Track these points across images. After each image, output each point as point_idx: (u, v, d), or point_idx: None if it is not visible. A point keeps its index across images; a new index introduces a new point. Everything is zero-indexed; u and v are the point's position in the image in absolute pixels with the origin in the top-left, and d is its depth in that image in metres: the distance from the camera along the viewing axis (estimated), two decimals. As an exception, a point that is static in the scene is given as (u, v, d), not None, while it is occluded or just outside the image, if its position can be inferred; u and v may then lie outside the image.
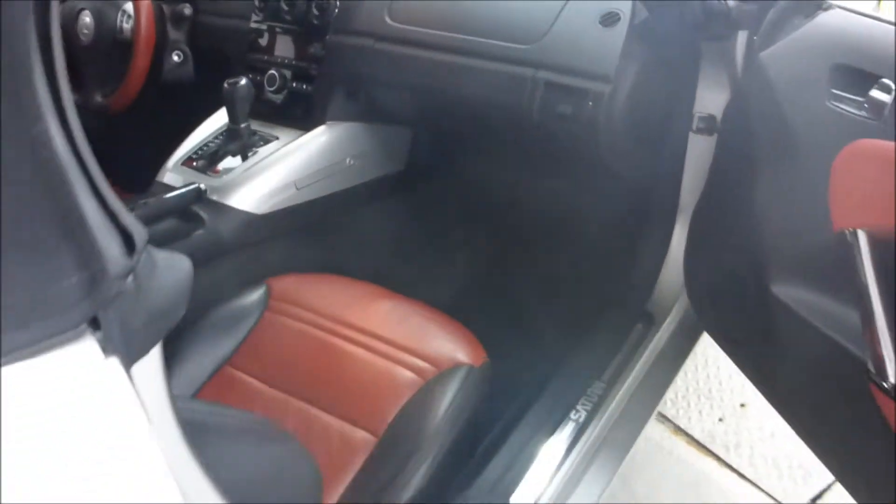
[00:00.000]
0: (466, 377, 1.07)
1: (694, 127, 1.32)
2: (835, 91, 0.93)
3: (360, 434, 1.00)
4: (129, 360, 0.41)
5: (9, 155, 0.32)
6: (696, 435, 1.62)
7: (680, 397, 1.71)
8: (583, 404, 1.23)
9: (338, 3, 1.45)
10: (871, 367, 0.77)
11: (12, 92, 0.33)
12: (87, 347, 0.36)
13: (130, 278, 0.39)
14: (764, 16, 1.10)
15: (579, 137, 1.26)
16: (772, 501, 1.47)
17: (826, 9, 1.01)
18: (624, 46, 1.19)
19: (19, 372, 0.34)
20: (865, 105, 0.89)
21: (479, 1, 1.35)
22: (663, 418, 1.66)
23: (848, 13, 0.99)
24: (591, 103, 1.20)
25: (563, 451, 1.15)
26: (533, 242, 1.68)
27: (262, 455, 0.70)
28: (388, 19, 1.41)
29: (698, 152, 1.33)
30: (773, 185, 1.03)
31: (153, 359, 0.45)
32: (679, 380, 1.76)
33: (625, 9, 1.20)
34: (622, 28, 1.20)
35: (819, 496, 1.48)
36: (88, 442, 0.36)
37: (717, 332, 1.27)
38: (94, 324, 0.37)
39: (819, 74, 0.95)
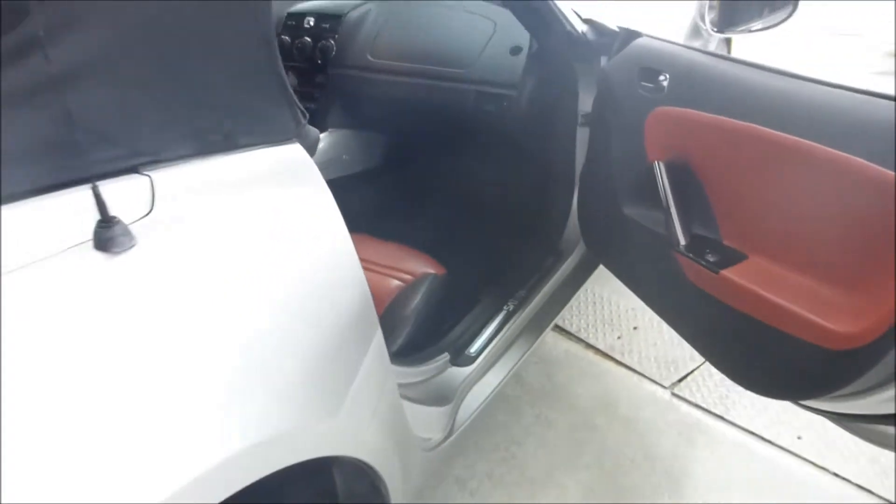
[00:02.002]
0: (433, 281, 1.68)
1: (579, 122, 1.97)
2: (642, 82, 1.58)
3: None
4: None
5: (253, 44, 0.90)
6: (601, 347, 2.24)
7: (589, 323, 2.34)
8: (511, 301, 1.84)
9: (335, 46, 2.10)
10: (672, 241, 1.39)
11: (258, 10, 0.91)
12: (297, 147, 0.96)
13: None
14: (612, 44, 1.76)
15: (501, 126, 1.91)
16: (653, 385, 2.09)
17: (639, 37, 1.68)
18: (524, 67, 1.86)
19: (275, 151, 0.93)
20: (655, 87, 1.54)
21: (430, 41, 2.01)
22: (577, 338, 2.27)
23: (650, 39, 1.65)
24: (505, 104, 1.86)
25: (498, 326, 1.76)
26: (476, 205, 2.29)
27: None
28: (369, 56, 2.07)
29: (583, 139, 1.98)
30: (615, 145, 1.66)
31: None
32: (588, 310, 2.39)
33: (525, 43, 1.87)
34: (523, 55, 1.86)
35: (681, 379, 2.10)
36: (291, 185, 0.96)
37: (598, 252, 1.89)
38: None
39: (633, 73, 1.60)
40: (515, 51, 1.89)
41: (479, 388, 1.63)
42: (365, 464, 1.01)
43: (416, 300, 1.64)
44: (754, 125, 1.23)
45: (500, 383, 1.67)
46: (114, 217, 0.69)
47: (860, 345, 1.10)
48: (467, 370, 1.61)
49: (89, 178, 0.70)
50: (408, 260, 1.75)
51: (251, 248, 0.83)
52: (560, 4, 1.71)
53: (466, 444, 1.84)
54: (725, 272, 1.32)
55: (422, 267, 1.72)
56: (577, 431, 1.91)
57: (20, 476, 0.58)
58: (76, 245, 0.68)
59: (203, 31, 0.82)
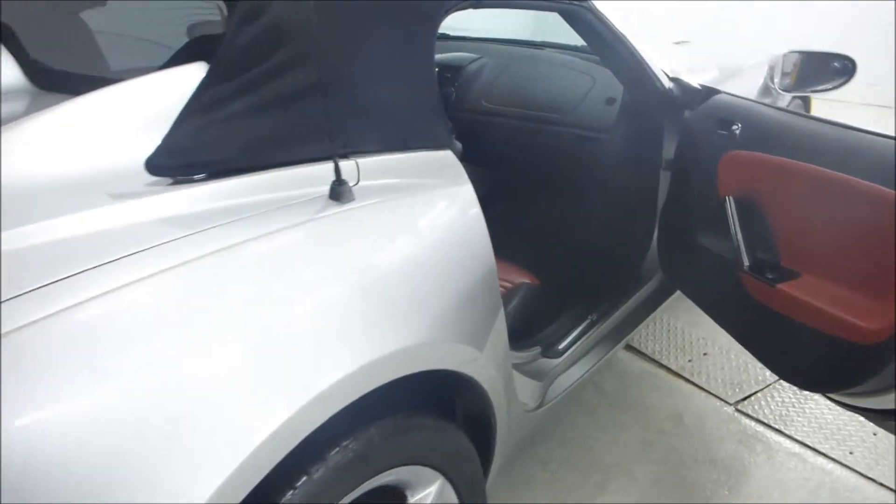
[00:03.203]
0: (529, 289, 2.01)
1: (662, 166, 2.28)
2: (718, 130, 1.89)
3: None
4: None
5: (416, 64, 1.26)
6: (673, 367, 2.49)
7: (663, 347, 2.60)
8: (595, 313, 2.14)
9: (454, 93, 2.49)
10: (739, 263, 1.68)
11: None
12: (449, 153, 1.31)
13: None
14: (694, 100, 2.08)
15: (594, 165, 2.24)
16: (718, 401, 2.33)
17: (718, 93, 1.99)
18: (617, 116, 2.19)
19: (434, 154, 1.29)
20: (729, 134, 1.84)
21: (537, 90, 2.38)
22: (651, 359, 2.54)
23: (727, 95, 1.97)
24: (599, 146, 2.19)
25: (582, 331, 2.05)
26: (569, 231, 2.60)
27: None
28: (483, 102, 2.45)
29: (664, 181, 2.28)
30: (694, 184, 1.96)
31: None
32: (662, 336, 2.65)
33: (619, 95, 2.20)
34: (617, 106, 2.20)
35: (745, 398, 2.33)
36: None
37: (674, 277, 2.18)
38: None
39: (711, 123, 1.90)
40: (610, 101, 2.23)
41: (564, 378, 1.92)
42: (489, 399, 1.33)
43: (515, 302, 1.96)
44: (808, 164, 1.53)
45: (580, 377, 1.96)
46: (344, 180, 1.06)
47: (884, 339, 1.36)
48: (555, 361, 1.91)
49: (331, 156, 1.07)
50: (509, 271, 2.09)
51: (415, 215, 1.18)
52: (651, 64, 2.04)
53: (551, 433, 2.13)
54: (781, 286, 1.60)
55: (519, 277, 2.05)
56: (647, 433, 2.17)
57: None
58: (322, 194, 1.05)
59: (395, 66, 1.20)
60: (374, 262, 1.07)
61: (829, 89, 1.99)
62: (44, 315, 0.76)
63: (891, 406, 1.50)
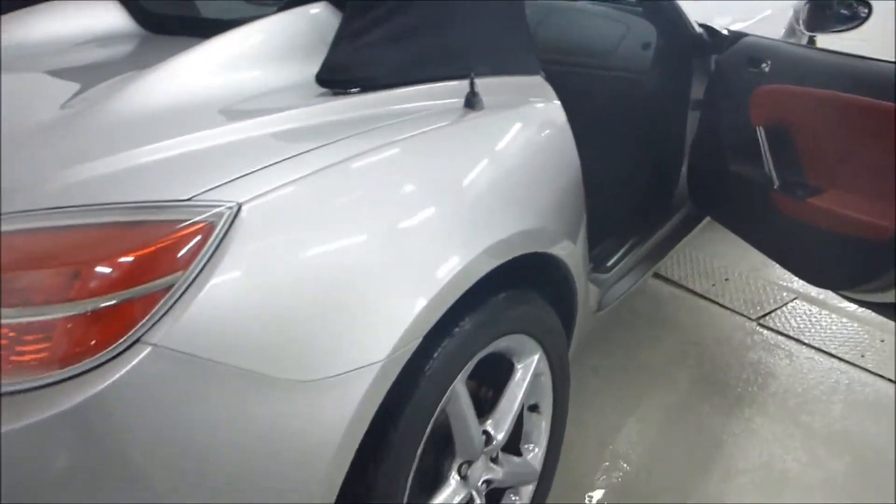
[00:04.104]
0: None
1: (690, 106, 2.52)
2: (749, 68, 2.12)
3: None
4: None
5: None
6: (698, 290, 2.76)
7: (688, 274, 2.86)
8: (634, 237, 2.38)
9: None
10: (770, 184, 1.93)
11: None
12: (539, 78, 1.54)
13: None
14: (722, 44, 2.31)
15: (631, 104, 2.47)
16: (742, 317, 2.59)
17: (746, 36, 2.22)
18: (653, 59, 2.42)
19: (530, 78, 1.52)
20: (759, 72, 2.08)
21: (575, 38, 2.60)
22: (678, 284, 2.80)
23: (755, 37, 2.20)
24: (635, 87, 2.42)
25: (625, 252, 2.29)
26: (608, 165, 2.81)
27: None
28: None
29: (693, 119, 2.52)
30: (725, 118, 2.20)
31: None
32: (687, 265, 2.91)
33: (653, 40, 2.43)
34: (652, 49, 2.43)
35: (766, 314, 2.60)
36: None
37: (704, 204, 2.42)
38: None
39: (742, 62, 2.13)
40: (646, 46, 2.45)
41: (614, 290, 2.17)
42: (574, 285, 1.58)
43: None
44: (832, 91, 1.77)
45: (627, 290, 2.20)
46: (477, 92, 1.29)
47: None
48: (605, 275, 2.16)
49: (462, 75, 1.30)
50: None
51: (526, 123, 1.42)
52: (683, 11, 2.27)
53: (598, 345, 2.39)
54: (811, 200, 1.85)
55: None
56: (681, 345, 2.43)
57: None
58: (454, 105, 1.29)
59: (493, 5, 1.43)
60: (500, 158, 1.31)
61: (847, 29, 2.25)
62: (256, 194, 0.94)
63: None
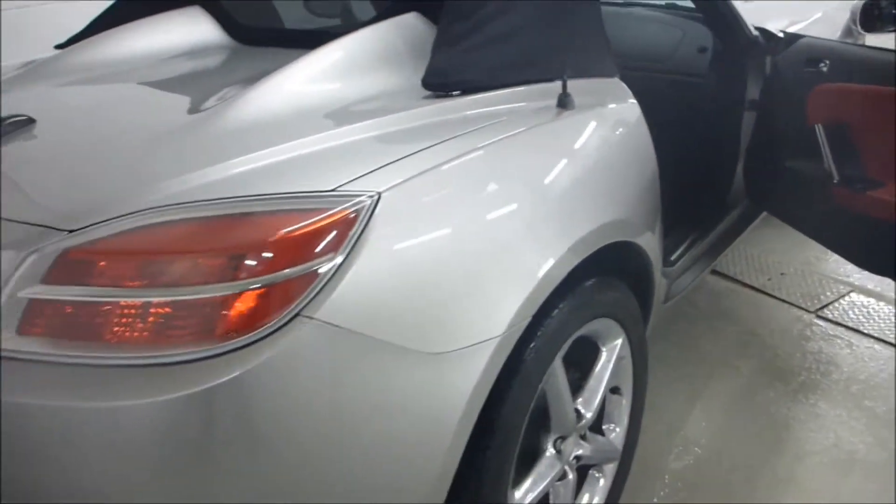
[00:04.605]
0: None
1: (746, 106, 2.61)
2: (807, 68, 2.21)
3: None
4: None
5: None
6: (756, 285, 2.84)
7: (745, 269, 2.94)
8: (694, 233, 2.48)
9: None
10: (830, 178, 2.02)
11: None
12: (618, 80, 1.66)
13: None
14: (777, 46, 2.41)
15: (688, 106, 2.57)
16: (800, 310, 2.67)
17: (802, 38, 2.32)
18: (709, 62, 2.52)
19: (609, 80, 1.64)
20: (817, 72, 2.17)
21: (634, 43, 2.71)
22: (735, 280, 2.88)
23: (812, 38, 2.29)
24: (692, 89, 2.53)
25: (686, 247, 2.39)
26: (667, 165, 2.92)
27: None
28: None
29: (748, 119, 2.61)
30: (782, 117, 2.29)
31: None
32: (743, 261, 3.00)
33: (709, 43, 2.53)
34: (709, 53, 2.53)
35: (824, 306, 2.68)
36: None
37: (762, 199, 2.51)
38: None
39: (800, 63, 2.23)
40: (702, 50, 2.56)
41: (678, 283, 2.27)
42: (652, 274, 1.69)
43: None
44: (890, 88, 1.86)
45: (691, 283, 2.30)
46: (569, 94, 1.42)
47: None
48: (670, 269, 2.26)
49: (555, 77, 1.43)
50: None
51: (612, 122, 1.54)
52: (741, 16, 2.37)
53: (662, 336, 2.49)
54: (871, 193, 1.94)
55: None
56: (742, 336, 2.52)
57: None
58: (547, 105, 1.41)
59: (575, 13, 1.56)
60: (591, 153, 1.44)
61: (901, 30, 2.35)
62: (391, 185, 1.08)
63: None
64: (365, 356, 1.03)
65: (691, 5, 2.68)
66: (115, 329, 0.98)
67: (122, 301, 0.98)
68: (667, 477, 1.93)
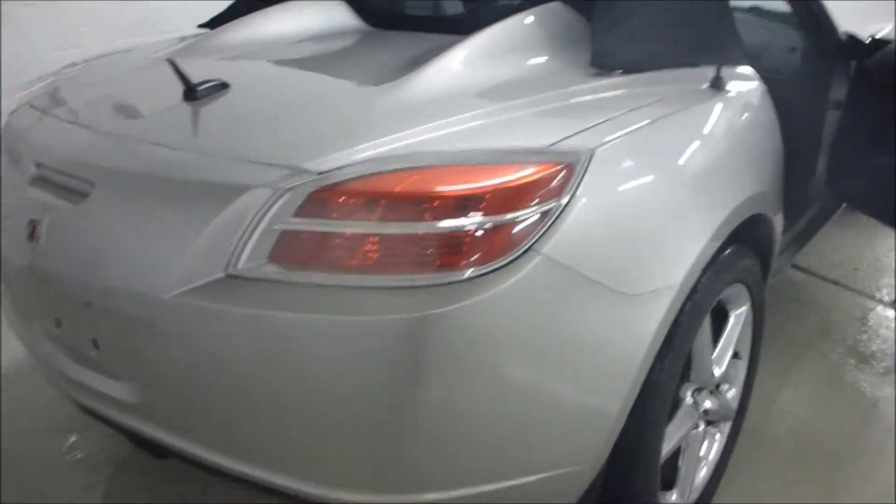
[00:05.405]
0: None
1: (830, 106, 2.75)
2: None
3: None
4: None
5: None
6: (831, 278, 2.98)
7: (819, 264, 3.09)
8: (783, 223, 2.62)
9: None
10: None
11: None
12: (748, 67, 1.83)
13: None
14: (863, 49, 2.55)
15: (780, 104, 2.73)
16: (875, 301, 2.81)
17: (890, 42, 2.46)
18: (799, 62, 2.68)
19: (741, 68, 1.80)
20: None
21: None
22: (812, 273, 3.03)
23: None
24: (783, 88, 2.68)
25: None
26: None
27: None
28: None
29: (830, 119, 2.75)
30: (872, 115, 2.43)
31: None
32: (816, 257, 3.14)
33: (798, 44, 2.69)
34: (798, 54, 2.68)
35: (901, 298, 2.82)
36: None
37: (847, 195, 2.65)
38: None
39: (891, 65, 2.37)
40: (792, 50, 2.71)
41: (775, 265, 2.42)
42: (774, 249, 1.85)
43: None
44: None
45: (782, 268, 2.45)
46: (722, 76, 1.58)
47: None
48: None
49: (705, 62, 1.60)
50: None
51: (753, 103, 1.72)
52: (833, 20, 2.52)
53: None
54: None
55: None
56: (824, 322, 2.67)
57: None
58: (701, 84, 1.58)
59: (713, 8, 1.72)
60: (740, 130, 1.61)
61: None
62: (599, 143, 1.25)
63: None
64: (578, 293, 1.19)
65: (776, 9, 2.85)
66: (360, 257, 1.13)
67: (366, 233, 1.13)
68: (767, 441, 2.07)
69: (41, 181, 1.41)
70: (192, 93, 1.43)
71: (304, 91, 1.55)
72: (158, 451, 1.47)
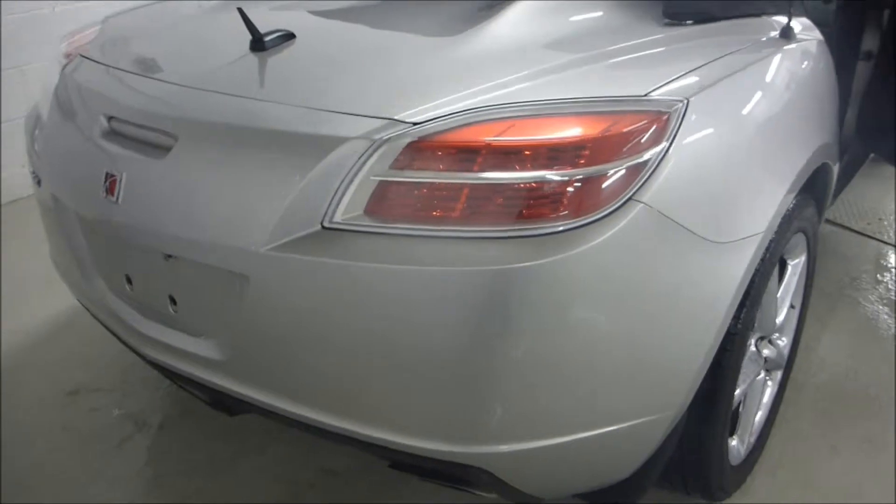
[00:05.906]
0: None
1: (861, 57, 2.74)
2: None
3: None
4: None
5: None
6: (856, 228, 3.01)
7: (844, 215, 3.11)
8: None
9: None
10: None
11: None
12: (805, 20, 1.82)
13: None
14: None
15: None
16: (901, 251, 2.85)
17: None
18: (835, 13, 2.66)
19: (802, 19, 1.79)
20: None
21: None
22: (837, 224, 3.05)
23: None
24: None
25: None
26: None
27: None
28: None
29: (861, 69, 2.74)
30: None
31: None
32: (841, 209, 3.16)
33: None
34: (833, 4, 2.66)
35: (927, 247, 2.85)
36: None
37: (878, 145, 2.66)
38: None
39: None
40: (827, 1, 2.68)
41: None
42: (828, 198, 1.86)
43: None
44: None
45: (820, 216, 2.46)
46: (792, 27, 1.56)
47: None
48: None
49: (771, 12, 1.58)
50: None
51: (818, 54, 1.72)
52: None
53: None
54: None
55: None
56: (852, 272, 2.71)
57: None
58: (769, 36, 1.56)
59: None
60: (809, 79, 1.61)
61: None
62: (693, 92, 1.24)
63: None
64: (673, 242, 1.18)
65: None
66: (458, 208, 1.11)
67: (464, 184, 1.12)
68: (812, 390, 2.11)
69: (114, 135, 1.38)
70: (259, 43, 1.40)
71: (372, 42, 1.51)
72: (232, 408, 1.47)
